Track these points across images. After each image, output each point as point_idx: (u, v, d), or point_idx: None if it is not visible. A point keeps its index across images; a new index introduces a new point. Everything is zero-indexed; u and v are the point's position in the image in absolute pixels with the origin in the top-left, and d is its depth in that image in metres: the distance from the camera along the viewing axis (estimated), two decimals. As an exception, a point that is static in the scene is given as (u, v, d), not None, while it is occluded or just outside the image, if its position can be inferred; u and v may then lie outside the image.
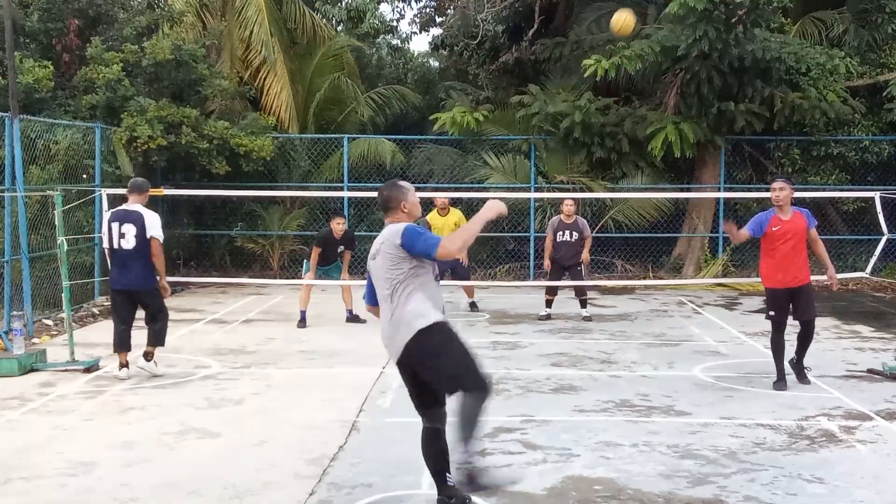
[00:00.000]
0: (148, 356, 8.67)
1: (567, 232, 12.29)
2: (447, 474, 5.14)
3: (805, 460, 6.21)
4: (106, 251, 8.74)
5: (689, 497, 5.50)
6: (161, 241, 8.50)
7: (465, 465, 4.97)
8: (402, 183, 5.31)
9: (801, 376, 8.47)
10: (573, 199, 12.76)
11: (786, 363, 8.43)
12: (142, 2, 17.91)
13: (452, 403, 4.99)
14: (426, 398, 5.13)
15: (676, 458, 6.25)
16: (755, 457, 6.28)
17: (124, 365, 8.61)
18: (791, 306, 8.36)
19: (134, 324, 8.76)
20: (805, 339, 8.47)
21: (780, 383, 8.29)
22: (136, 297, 8.58)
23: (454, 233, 5.10)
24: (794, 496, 5.52)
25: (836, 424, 7.12)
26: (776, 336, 8.40)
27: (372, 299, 5.34)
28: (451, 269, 12.76)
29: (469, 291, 13.35)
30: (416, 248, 4.95)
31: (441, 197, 13.22)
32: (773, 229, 8.28)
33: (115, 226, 8.43)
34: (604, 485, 5.70)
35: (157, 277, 8.60)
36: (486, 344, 10.35)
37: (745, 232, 8.40)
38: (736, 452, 6.38)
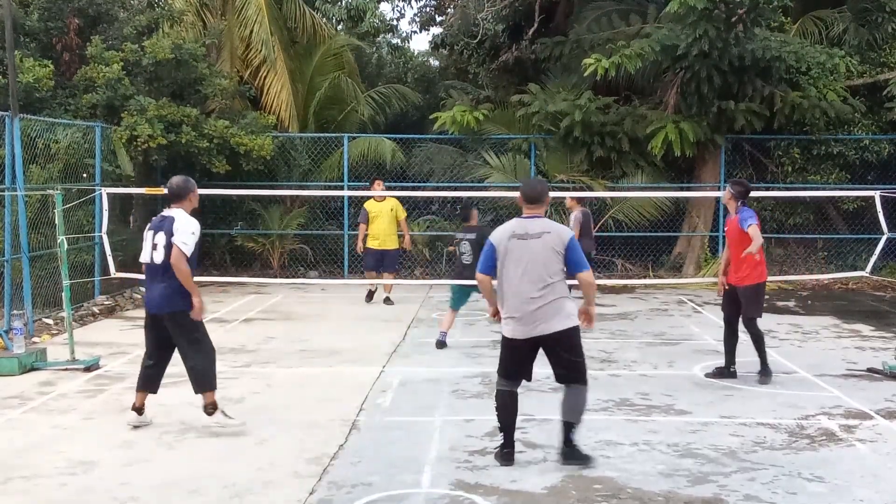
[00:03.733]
0: (207, 408, 6.87)
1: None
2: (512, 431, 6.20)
3: (805, 459, 6.22)
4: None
5: (689, 496, 5.51)
6: (184, 251, 6.75)
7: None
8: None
9: (763, 375, 8.60)
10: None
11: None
12: (142, 1, 17.90)
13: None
14: (526, 371, 6.20)
15: (676, 457, 6.25)
16: (755, 456, 6.29)
17: (137, 408, 6.98)
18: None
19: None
20: (753, 342, 8.65)
21: (712, 372, 8.77)
22: (162, 323, 6.90)
23: (589, 283, 6.09)
24: (794, 495, 5.52)
25: (837, 423, 7.12)
26: (725, 330, 8.85)
27: (491, 270, 6.13)
28: (381, 260, 13.36)
29: (387, 285, 13.62)
30: (575, 257, 5.96)
31: (378, 191, 13.38)
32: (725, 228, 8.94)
33: (149, 235, 7.01)
34: (604, 483, 5.70)
35: (192, 299, 6.81)
36: (486, 343, 10.33)
37: None
38: (736, 451, 6.38)
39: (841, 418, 7.29)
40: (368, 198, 13.76)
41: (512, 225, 6.09)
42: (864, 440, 6.68)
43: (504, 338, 6.13)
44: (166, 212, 7.10)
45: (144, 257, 7.00)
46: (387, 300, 13.50)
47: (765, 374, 8.55)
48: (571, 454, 6.08)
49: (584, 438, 6.65)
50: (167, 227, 6.88)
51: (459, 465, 6.05)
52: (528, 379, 6.27)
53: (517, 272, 5.95)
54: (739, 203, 8.54)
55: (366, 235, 13.36)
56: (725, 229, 8.89)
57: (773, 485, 5.69)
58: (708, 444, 6.56)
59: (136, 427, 6.93)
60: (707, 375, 8.75)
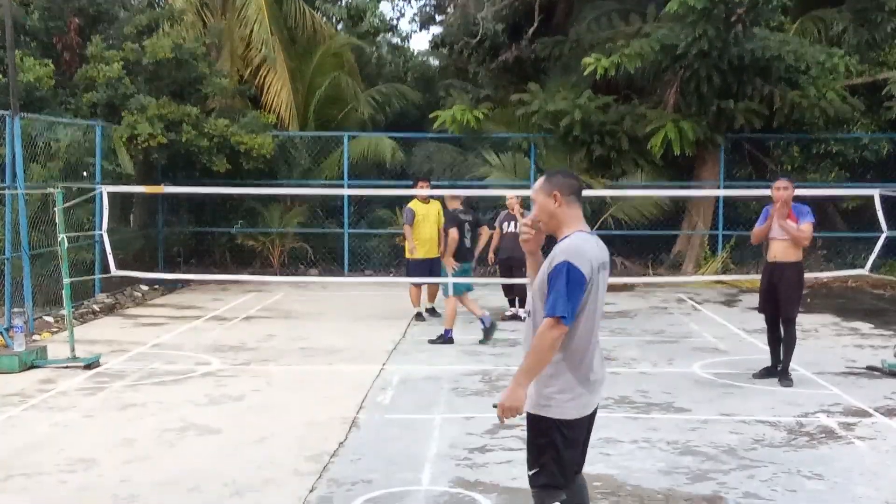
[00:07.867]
0: None
1: (513, 223, 11.79)
2: None
3: (804, 457, 6.23)
4: None
5: (688, 493, 5.52)
6: None
7: None
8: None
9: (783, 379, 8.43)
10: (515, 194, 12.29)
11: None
12: (142, 0, 17.91)
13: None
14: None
15: (676, 455, 6.26)
16: (754, 453, 6.30)
17: None
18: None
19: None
20: (786, 342, 8.40)
21: (761, 373, 8.56)
22: None
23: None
24: (793, 492, 5.54)
25: (836, 421, 7.13)
26: (768, 330, 8.59)
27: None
28: (431, 270, 11.77)
29: (432, 295, 12.43)
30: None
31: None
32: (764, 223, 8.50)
33: None
34: (603, 481, 5.71)
35: None
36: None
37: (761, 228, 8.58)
38: (735, 449, 6.39)
39: (840, 416, 7.30)
40: (411, 198, 12.24)
41: (592, 245, 3.93)
42: (863, 438, 6.69)
43: (563, 424, 3.96)
44: None
45: None
46: (434, 311, 12.24)
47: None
48: None
49: (583, 436, 6.67)
50: None
51: (459, 463, 6.06)
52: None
53: (597, 316, 4.11)
54: None
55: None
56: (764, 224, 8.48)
57: (772, 482, 5.71)
58: (707, 441, 6.57)
59: None
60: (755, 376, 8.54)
